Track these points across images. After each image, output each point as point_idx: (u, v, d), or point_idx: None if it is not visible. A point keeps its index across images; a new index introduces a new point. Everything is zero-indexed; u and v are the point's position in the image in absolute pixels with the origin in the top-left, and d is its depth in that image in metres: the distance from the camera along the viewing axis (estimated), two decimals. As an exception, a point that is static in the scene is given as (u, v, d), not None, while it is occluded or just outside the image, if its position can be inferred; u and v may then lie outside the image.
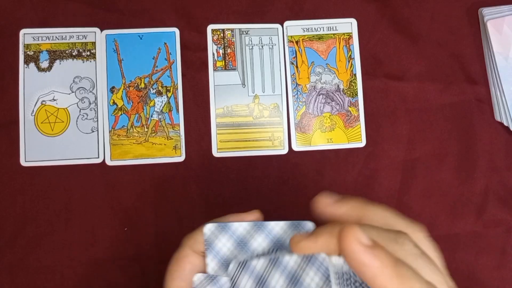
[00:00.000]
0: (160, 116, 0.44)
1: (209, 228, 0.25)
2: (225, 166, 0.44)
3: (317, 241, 0.21)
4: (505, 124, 0.45)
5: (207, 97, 0.45)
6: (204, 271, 0.25)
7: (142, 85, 0.45)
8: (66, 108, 0.44)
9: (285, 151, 0.45)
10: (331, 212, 0.23)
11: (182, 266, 0.25)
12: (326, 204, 0.23)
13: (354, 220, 0.23)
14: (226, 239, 0.25)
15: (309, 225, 0.24)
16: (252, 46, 0.46)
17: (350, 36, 0.47)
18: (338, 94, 0.46)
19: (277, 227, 0.24)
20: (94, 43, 0.45)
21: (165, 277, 0.25)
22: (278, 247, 0.24)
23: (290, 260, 0.22)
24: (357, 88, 0.46)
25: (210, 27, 0.46)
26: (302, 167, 0.45)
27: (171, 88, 0.45)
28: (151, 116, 0.44)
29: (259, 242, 0.24)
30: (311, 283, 0.21)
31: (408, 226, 0.22)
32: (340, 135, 0.45)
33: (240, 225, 0.25)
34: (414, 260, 0.20)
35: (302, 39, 0.46)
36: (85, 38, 0.45)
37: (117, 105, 0.44)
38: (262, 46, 0.46)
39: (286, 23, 0.46)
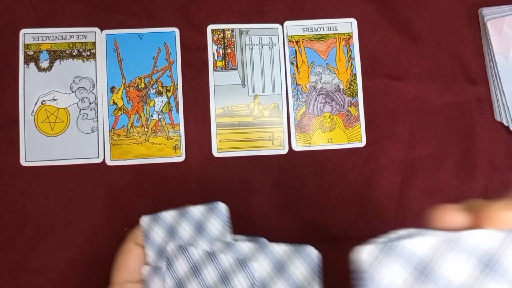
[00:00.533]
0: (160, 116, 0.44)
1: (144, 220, 0.27)
2: (225, 166, 0.44)
3: None
4: (505, 124, 0.45)
5: (207, 97, 0.45)
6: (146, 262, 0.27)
7: (142, 85, 0.45)
8: (66, 108, 0.44)
9: (285, 151, 0.45)
10: (455, 223, 0.18)
11: (126, 259, 0.27)
12: (451, 219, 0.19)
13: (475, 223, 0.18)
14: (158, 229, 0.26)
15: (221, 205, 0.26)
16: (252, 46, 0.46)
17: (350, 36, 0.47)
18: (338, 94, 0.46)
19: (196, 211, 0.26)
20: (94, 43, 0.45)
21: (111, 270, 0.27)
22: (198, 230, 0.26)
23: (224, 259, 0.23)
24: (357, 88, 0.46)
25: (210, 27, 0.46)
26: (302, 167, 0.45)
27: (171, 88, 0.45)
28: (151, 116, 0.44)
29: (184, 228, 0.26)
30: (237, 284, 0.22)
31: None
32: (340, 135, 0.45)
33: (168, 214, 0.27)
34: None
35: (302, 39, 0.46)
36: (85, 38, 0.45)
37: (117, 105, 0.44)
38: (262, 46, 0.46)
39: (286, 23, 0.46)
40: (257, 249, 0.23)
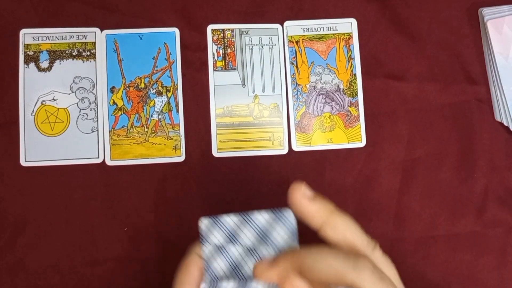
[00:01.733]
0: (160, 116, 0.44)
1: (204, 222, 0.26)
2: (225, 166, 0.44)
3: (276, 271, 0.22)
4: (505, 124, 0.45)
5: (207, 97, 0.45)
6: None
7: (142, 85, 0.45)
8: (66, 108, 0.44)
9: (285, 151, 0.45)
10: (303, 206, 0.24)
11: (189, 271, 0.26)
12: (301, 196, 0.24)
13: (319, 221, 0.24)
14: (218, 233, 0.26)
15: (290, 213, 0.25)
16: (252, 46, 0.46)
17: (350, 36, 0.47)
18: (338, 94, 0.46)
19: (261, 218, 0.25)
20: (94, 43, 0.45)
21: (173, 284, 0.26)
22: (262, 238, 0.25)
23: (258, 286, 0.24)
24: (357, 88, 0.46)
25: (210, 27, 0.46)
26: (302, 167, 0.45)
27: (171, 88, 0.45)
28: (151, 116, 0.44)
29: (246, 233, 0.25)
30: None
31: (366, 243, 0.24)
32: (340, 135, 0.45)
33: (230, 218, 0.26)
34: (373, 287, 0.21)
35: (302, 39, 0.46)
36: (85, 38, 0.45)
37: (117, 105, 0.44)
38: (262, 46, 0.46)
39: (286, 23, 0.46)
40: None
